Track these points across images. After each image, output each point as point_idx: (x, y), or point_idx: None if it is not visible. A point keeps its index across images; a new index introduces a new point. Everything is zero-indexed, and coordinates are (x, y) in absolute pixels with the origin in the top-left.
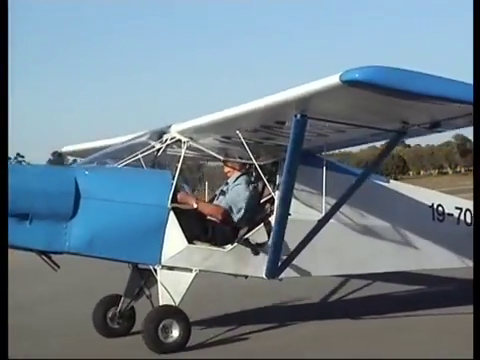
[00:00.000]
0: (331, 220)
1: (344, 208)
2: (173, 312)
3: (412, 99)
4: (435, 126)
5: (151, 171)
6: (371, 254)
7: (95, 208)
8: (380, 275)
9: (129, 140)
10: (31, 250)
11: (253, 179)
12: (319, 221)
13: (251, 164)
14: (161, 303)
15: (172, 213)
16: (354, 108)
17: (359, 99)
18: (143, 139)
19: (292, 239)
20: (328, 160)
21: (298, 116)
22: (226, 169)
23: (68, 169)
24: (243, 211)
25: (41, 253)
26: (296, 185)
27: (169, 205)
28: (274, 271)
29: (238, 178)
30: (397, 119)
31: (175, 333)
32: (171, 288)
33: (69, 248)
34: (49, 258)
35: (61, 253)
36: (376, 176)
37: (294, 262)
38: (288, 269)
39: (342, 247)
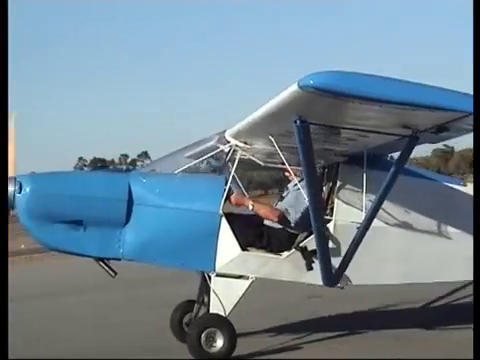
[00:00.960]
0: (400, 226)
1: (414, 214)
2: (218, 321)
3: (367, 104)
4: (441, 131)
5: (204, 177)
6: (443, 262)
7: (148, 214)
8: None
9: (197, 143)
10: (86, 256)
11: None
12: (360, 226)
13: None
14: (211, 311)
15: (224, 219)
16: (345, 113)
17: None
18: (212, 143)
19: (347, 245)
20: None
21: (298, 122)
22: (287, 174)
23: (122, 176)
24: (299, 215)
25: (97, 259)
26: (354, 189)
27: (221, 211)
28: (330, 278)
29: (298, 183)
30: (396, 124)
31: (219, 342)
32: (223, 296)
33: (123, 255)
34: (106, 265)
35: (116, 259)
36: (453, 180)
37: (356, 269)
38: (350, 276)
39: (411, 254)
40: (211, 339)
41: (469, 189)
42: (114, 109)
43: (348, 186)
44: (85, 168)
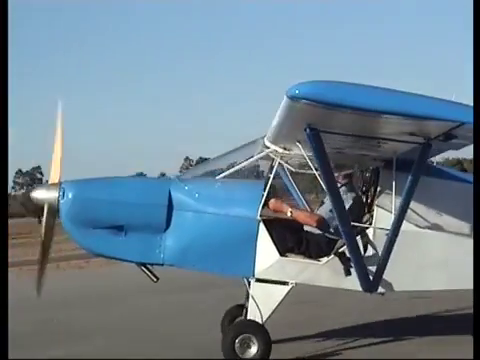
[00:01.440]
0: (439, 231)
1: (454, 218)
2: (253, 327)
3: (353, 112)
4: (449, 138)
5: (243, 182)
6: None
7: (187, 220)
8: None
9: (243, 147)
10: (127, 261)
11: (355, 190)
12: (389, 232)
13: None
14: (248, 316)
15: (262, 225)
16: (347, 122)
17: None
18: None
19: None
20: (431, 166)
21: (308, 130)
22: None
23: (162, 181)
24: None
25: (139, 265)
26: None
27: (259, 216)
28: (368, 284)
29: (340, 188)
30: (400, 132)
31: (253, 349)
32: (262, 301)
33: (164, 260)
34: (148, 270)
35: (157, 265)
36: None
37: (396, 276)
38: (392, 283)
39: (452, 260)
40: (246, 345)
41: None
42: (226, 106)
43: (388, 191)
44: (190, 168)
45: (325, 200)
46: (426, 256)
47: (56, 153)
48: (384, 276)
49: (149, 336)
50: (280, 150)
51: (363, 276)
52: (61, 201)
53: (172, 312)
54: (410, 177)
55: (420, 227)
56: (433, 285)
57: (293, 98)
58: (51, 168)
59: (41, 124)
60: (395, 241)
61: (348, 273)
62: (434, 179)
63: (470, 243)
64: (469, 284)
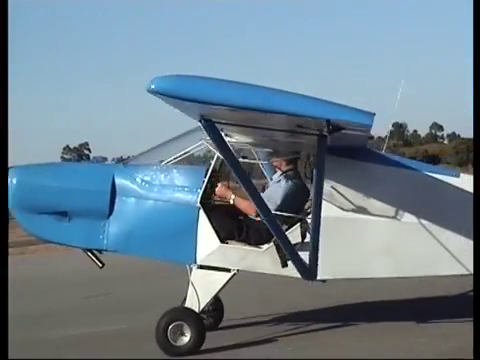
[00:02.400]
0: (385, 219)
1: (400, 206)
2: (187, 314)
3: (206, 105)
4: (336, 129)
5: (186, 168)
6: (430, 256)
7: (130, 206)
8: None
9: (185, 134)
10: (72, 246)
11: (295, 176)
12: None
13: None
14: (186, 303)
15: (203, 212)
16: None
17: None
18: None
19: (330, 238)
20: (375, 153)
21: (202, 121)
22: (274, 164)
23: (106, 167)
24: (277, 209)
25: (84, 250)
26: (341, 181)
27: (198, 203)
28: (309, 272)
29: (281, 175)
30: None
31: (186, 337)
32: (202, 288)
33: (107, 246)
34: (94, 255)
35: (101, 251)
36: (446, 171)
37: (341, 263)
38: (335, 270)
39: (398, 247)
40: (179, 332)
41: (462, 180)
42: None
43: (331, 178)
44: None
45: (266, 186)
46: (370, 243)
47: None
48: (327, 264)
49: None
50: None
51: (298, 264)
52: (8, 186)
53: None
54: (316, 167)
55: (363, 214)
56: (378, 272)
57: (151, 92)
58: None
59: (88, 100)
60: (318, 228)
61: (284, 265)
62: (377, 165)
63: (415, 229)
64: (415, 271)
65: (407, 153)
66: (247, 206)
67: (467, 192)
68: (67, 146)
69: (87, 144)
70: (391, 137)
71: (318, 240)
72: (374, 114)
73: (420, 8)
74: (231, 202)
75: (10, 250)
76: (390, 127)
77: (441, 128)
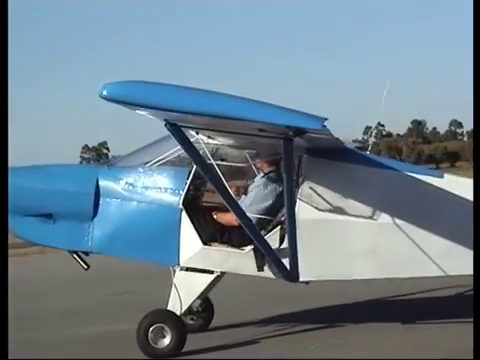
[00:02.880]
0: (367, 220)
1: (383, 207)
2: (168, 317)
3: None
4: (299, 133)
5: (169, 170)
6: (417, 256)
7: (114, 208)
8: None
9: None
10: (58, 248)
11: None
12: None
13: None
14: (169, 305)
15: (185, 214)
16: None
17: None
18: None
19: (313, 240)
20: (358, 154)
21: (167, 125)
22: (257, 166)
23: (91, 168)
24: (257, 214)
25: (70, 252)
26: (322, 182)
27: (181, 205)
28: (290, 274)
29: (261, 178)
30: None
31: (167, 339)
32: (184, 290)
33: (92, 248)
34: (79, 257)
35: (87, 253)
36: (430, 171)
37: (323, 264)
38: (318, 272)
39: (381, 249)
40: (159, 335)
41: (446, 181)
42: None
43: (313, 180)
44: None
45: (249, 188)
46: (353, 244)
47: None
48: (310, 265)
49: None
50: (205, 139)
51: (279, 267)
52: None
53: None
54: (284, 170)
55: (346, 215)
56: (362, 273)
57: (102, 98)
58: None
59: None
60: (294, 231)
61: (260, 269)
62: (360, 166)
63: (399, 230)
64: (399, 272)
65: (427, 150)
66: (230, 220)
67: (450, 193)
68: (86, 145)
69: (106, 143)
70: (410, 135)
71: (295, 242)
72: (325, 119)
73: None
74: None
75: (30, 249)
76: (373, 127)
77: (461, 125)
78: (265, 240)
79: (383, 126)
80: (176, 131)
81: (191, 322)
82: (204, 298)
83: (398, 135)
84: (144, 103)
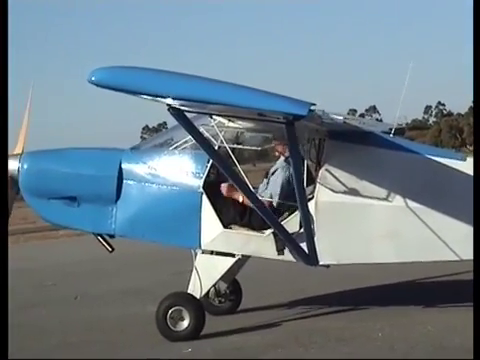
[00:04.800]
0: (388, 203)
1: (404, 190)
2: (187, 300)
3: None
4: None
5: (191, 153)
6: (437, 240)
7: (137, 191)
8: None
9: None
10: (83, 231)
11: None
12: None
13: None
14: (189, 289)
15: (205, 197)
16: None
17: None
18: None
19: (333, 224)
20: (380, 137)
21: (170, 110)
22: (276, 149)
23: (115, 152)
24: (277, 198)
25: (95, 235)
26: (343, 166)
27: (201, 188)
28: (309, 258)
29: (282, 162)
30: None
31: (185, 322)
32: (205, 273)
33: (115, 231)
34: (104, 240)
35: (111, 236)
36: (453, 154)
37: (344, 248)
38: (338, 255)
39: (404, 232)
40: (178, 317)
41: (468, 164)
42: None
43: (334, 163)
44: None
45: (270, 171)
46: (374, 228)
47: (24, 124)
48: (330, 249)
49: None
50: (225, 122)
51: (297, 251)
52: (20, 172)
53: None
54: (290, 154)
55: (366, 198)
56: (382, 257)
57: (91, 83)
58: (19, 138)
59: None
60: (307, 214)
61: (280, 253)
62: (381, 150)
63: (420, 214)
64: (419, 256)
65: None
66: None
67: (472, 176)
68: (146, 126)
69: (165, 124)
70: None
71: (310, 226)
72: (312, 104)
73: None
74: (240, 200)
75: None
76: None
77: None
78: (281, 224)
79: (444, 105)
80: (178, 115)
81: (219, 305)
82: (232, 280)
83: (459, 114)
84: (132, 88)
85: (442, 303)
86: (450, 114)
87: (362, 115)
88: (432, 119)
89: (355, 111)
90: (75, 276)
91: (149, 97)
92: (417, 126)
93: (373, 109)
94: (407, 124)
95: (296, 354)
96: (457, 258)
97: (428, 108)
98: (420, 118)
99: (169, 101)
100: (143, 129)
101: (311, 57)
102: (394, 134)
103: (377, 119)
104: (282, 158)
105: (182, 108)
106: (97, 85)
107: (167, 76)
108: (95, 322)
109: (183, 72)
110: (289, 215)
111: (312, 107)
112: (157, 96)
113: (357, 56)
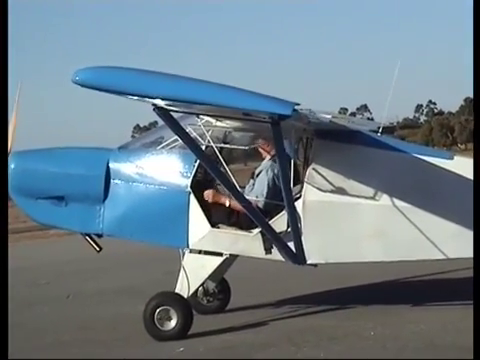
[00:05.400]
0: (375, 202)
1: (391, 189)
2: (175, 299)
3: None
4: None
5: (178, 153)
6: (425, 239)
7: (124, 190)
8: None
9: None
10: (71, 230)
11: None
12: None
13: None
14: (176, 288)
15: (193, 197)
16: None
17: None
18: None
19: (321, 223)
20: (366, 135)
21: (156, 110)
22: (262, 148)
23: (102, 151)
24: (263, 198)
25: (83, 234)
26: (330, 165)
27: (189, 188)
28: (297, 257)
29: (268, 161)
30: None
31: (173, 321)
32: (193, 273)
33: (103, 230)
34: (92, 239)
35: (99, 236)
36: (439, 153)
37: (331, 247)
38: (326, 255)
39: (390, 231)
40: (166, 317)
41: (456, 163)
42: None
43: (321, 162)
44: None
45: (256, 171)
46: (361, 227)
47: (12, 124)
48: (317, 248)
49: None
50: (213, 121)
51: (285, 250)
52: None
53: None
54: (276, 153)
55: (354, 197)
56: (370, 256)
57: (75, 83)
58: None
59: None
60: (293, 213)
61: (268, 252)
62: (368, 148)
63: (407, 213)
64: (408, 255)
65: None
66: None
67: (460, 175)
68: (137, 125)
69: (156, 123)
70: (463, 112)
71: (296, 225)
72: (296, 104)
73: None
74: (227, 204)
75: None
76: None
77: None
78: (268, 223)
79: (435, 104)
80: (164, 115)
81: (207, 304)
82: (220, 280)
83: (450, 113)
84: (116, 88)
85: (430, 301)
86: (441, 113)
87: (353, 114)
88: (423, 118)
89: (346, 110)
90: (68, 275)
91: (134, 97)
92: (408, 125)
93: (364, 108)
94: (398, 123)
95: (289, 353)
96: (444, 257)
97: (419, 107)
98: (411, 117)
99: (154, 101)
100: (134, 128)
101: (304, 56)
102: (383, 133)
103: (368, 118)
104: (267, 158)
105: (168, 108)
106: (81, 85)
107: (151, 76)
108: (88, 321)
109: (172, 73)
110: (276, 214)
111: (296, 107)
112: (141, 96)
113: (348, 55)
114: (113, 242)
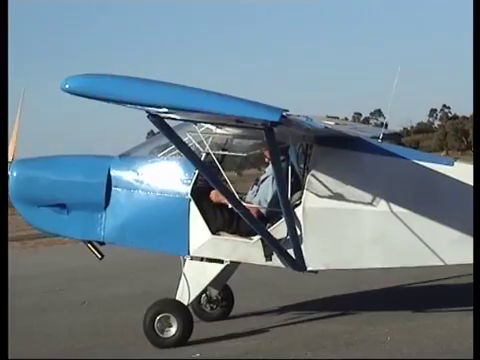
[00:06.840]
0: (376, 208)
1: (392, 195)
2: (175, 306)
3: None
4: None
5: (179, 160)
6: (426, 245)
7: (125, 198)
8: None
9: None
10: (72, 238)
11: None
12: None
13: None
14: (177, 295)
15: (193, 204)
16: None
17: None
18: None
19: (320, 229)
20: (366, 141)
21: (150, 117)
22: (265, 155)
23: (103, 159)
24: (266, 205)
25: (84, 242)
26: (329, 171)
27: (189, 195)
28: (296, 263)
29: (269, 169)
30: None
31: (173, 328)
32: (193, 280)
33: (104, 238)
34: (94, 247)
35: (100, 243)
36: (439, 159)
37: (331, 254)
38: (326, 261)
39: (390, 237)
40: (166, 324)
41: (456, 169)
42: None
43: (321, 168)
44: None
45: (260, 178)
46: (362, 233)
47: (14, 131)
48: (318, 255)
49: None
50: (213, 128)
51: (285, 256)
52: (9, 180)
53: None
54: (271, 159)
55: (354, 204)
56: (371, 262)
57: (64, 91)
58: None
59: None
60: (291, 220)
61: (268, 259)
62: (368, 154)
63: (407, 219)
64: (408, 261)
65: None
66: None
67: (460, 181)
68: (151, 131)
69: None
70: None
71: (295, 232)
72: (285, 110)
73: None
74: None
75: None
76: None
77: None
78: (267, 230)
79: (449, 108)
80: (158, 123)
81: (211, 311)
82: (224, 287)
83: (464, 117)
84: (106, 96)
85: (447, 306)
86: (455, 117)
87: (367, 119)
88: (437, 122)
89: (360, 115)
90: (82, 281)
91: (126, 105)
92: (422, 129)
93: (378, 113)
94: (412, 127)
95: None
96: (448, 262)
97: (433, 111)
98: (425, 121)
99: (146, 109)
100: (148, 134)
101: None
102: (384, 139)
103: (382, 123)
104: (270, 165)
105: (162, 115)
106: (71, 93)
107: (141, 83)
108: (103, 327)
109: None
110: (278, 221)
111: (285, 113)
112: (132, 103)
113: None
114: (125, 248)
